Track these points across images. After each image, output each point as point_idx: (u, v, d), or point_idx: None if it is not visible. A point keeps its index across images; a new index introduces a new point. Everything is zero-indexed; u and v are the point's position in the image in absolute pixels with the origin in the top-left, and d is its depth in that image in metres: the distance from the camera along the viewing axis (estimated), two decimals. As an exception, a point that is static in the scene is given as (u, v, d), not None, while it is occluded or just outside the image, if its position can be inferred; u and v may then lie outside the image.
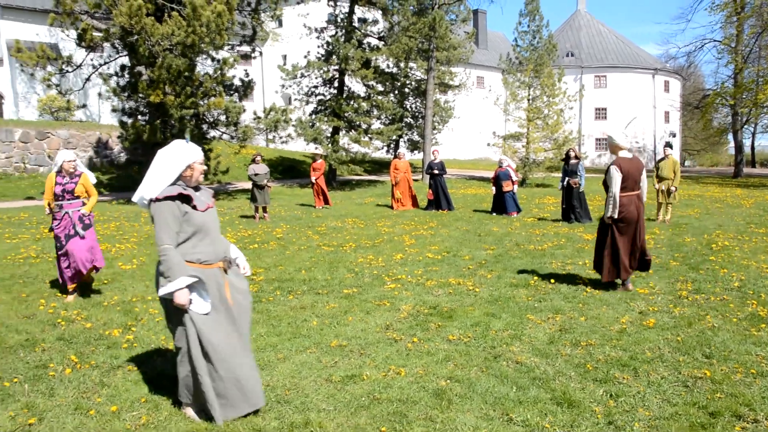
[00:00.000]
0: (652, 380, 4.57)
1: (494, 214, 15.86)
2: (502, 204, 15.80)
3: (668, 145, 14.16)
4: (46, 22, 20.35)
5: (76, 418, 4.08)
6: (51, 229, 7.40)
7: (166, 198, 3.86)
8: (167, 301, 3.88)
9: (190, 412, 4.08)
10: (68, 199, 7.29)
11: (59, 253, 7.26)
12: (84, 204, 7.40)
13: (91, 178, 7.52)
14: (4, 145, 23.66)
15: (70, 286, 7.26)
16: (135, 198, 4.02)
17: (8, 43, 29.80)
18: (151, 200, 3.89)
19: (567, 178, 14.25)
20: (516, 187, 15.95)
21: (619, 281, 7.46)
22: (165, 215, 3.84)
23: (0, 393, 4.51)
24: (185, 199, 3.93)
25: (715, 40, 37.52)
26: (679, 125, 59.18)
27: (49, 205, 7.38)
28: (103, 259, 7.60)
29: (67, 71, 20.60)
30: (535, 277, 8.08)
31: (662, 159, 13.97)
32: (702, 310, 6.46)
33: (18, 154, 23.92)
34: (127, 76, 20.70)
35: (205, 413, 3.99)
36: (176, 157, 3.98)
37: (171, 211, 3.85)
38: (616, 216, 7.22)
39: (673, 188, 13.54)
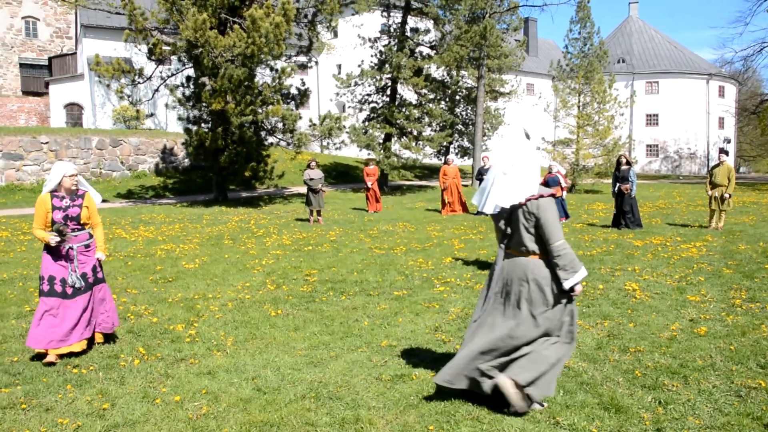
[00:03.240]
0: (702, 389, 4.42)
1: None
2: (551, 209, 15.56)
3: (723, 151, 13.64)
4: (121, 39, 21.26)
5: (143, 406, 4.27)
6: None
7: (551, 195, 4.07)
8: (561, 293, 4.03)
9: (526, 401, 4.01)
10: (73, 230, 5.23)
11: (48, 310, 5.11)
12: (90, 236, 5.42)
13: (96, 198, 5.49)
14: (83, 152, 24.87)
15: (57, 350, 5.09)
16: (490, 208, 4.04)
17: (89, 58, 31.21)
18: (532, 198, 3.99)
19: (618, 184, 13.92)
20: (565, 193, 15.69)
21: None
22: (556, 212, 4.05)
23: (78, 379, 4.78)
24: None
25: (775, 43, 35.84)
26: (734, 131, 56.99)
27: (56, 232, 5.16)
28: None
29: (139, 83, 21.41)
30: (584, 283, 7.91)
31: (717, 165, 13.44)
32: (757, 319, 6.18)
33: (94, 160, 25.09)
34: (191, 86, 21.37)
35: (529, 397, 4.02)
36: (537, 159, 4.17)
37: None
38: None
39: (726, 195, 13.01)
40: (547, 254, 4.03)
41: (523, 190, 3.97)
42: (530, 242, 4.03)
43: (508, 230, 4.09)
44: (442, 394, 4.38)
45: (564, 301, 4.07)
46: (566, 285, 3.96)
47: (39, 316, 5.08)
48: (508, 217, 4.06)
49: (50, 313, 5.08)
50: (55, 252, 5.18)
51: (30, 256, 10.55)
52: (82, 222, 5.26)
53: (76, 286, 5.18)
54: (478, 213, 16.90)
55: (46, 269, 5.17)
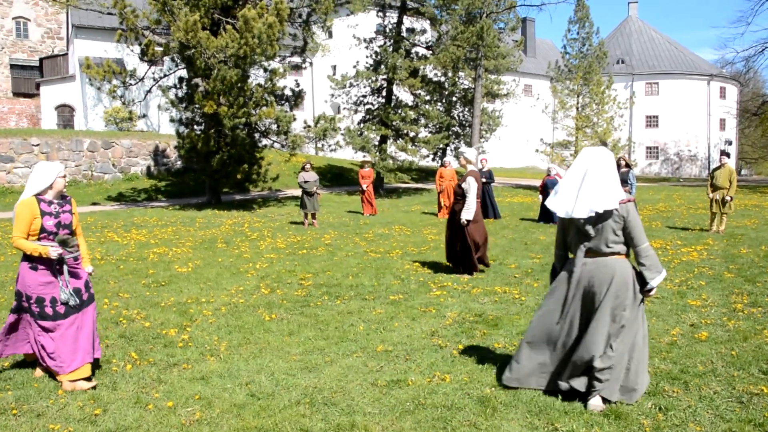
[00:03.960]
0: (704, 395, 4.43)
1: (541, 222, 15.67)
2: (549, 213, 15.59)
3: (725, 153, 13.67)
4: (113, 39, 21.24)
5: (136, 411, 4.28)
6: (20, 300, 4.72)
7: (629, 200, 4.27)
8: (639, 293, 4.31)
9: (599, 401, 4.25)
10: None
11: (42, 331, 4.68)
12: (78, 247, 4.88)
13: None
14: (74, 154, 24.88)
15: (71, 375, 4.67)
16: (583, 212, 4.20)
17: (80, 59, 31.24)
18: (623, 202, 4.21)
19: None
20: (564, 195, 15.70)
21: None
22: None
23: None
24: None
25: (778, 43, 35.80)
26: (735, 133, 57.18)
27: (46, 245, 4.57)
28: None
29: (131, 84, 21.42)
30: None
31: (718, 167, 13.46)
32: (759, 324, 6.18)
33: (86, 163, 25.10)
34: (184, 87, 21.37)
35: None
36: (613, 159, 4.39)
37: None
38: (471, 218, 8.71)
39: (728, 198, 13.03)
40: (627, 255, 4.33)
41: (616, 194, 4.18)
42: (616, 244, 4.23)
43: (592, 233, 4.24)
44: (437, 400, 4.39)
45: (641, 300, 4.36)
46: (652, 284, 4.27)
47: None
48: (596, 220, 4.22)
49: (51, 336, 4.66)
50: (40, 266, 4.60)
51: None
52: (72, 229, 4.75)
53: (70, 303, 4.64)
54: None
55: (31, 288, 4.60)
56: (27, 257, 4.62)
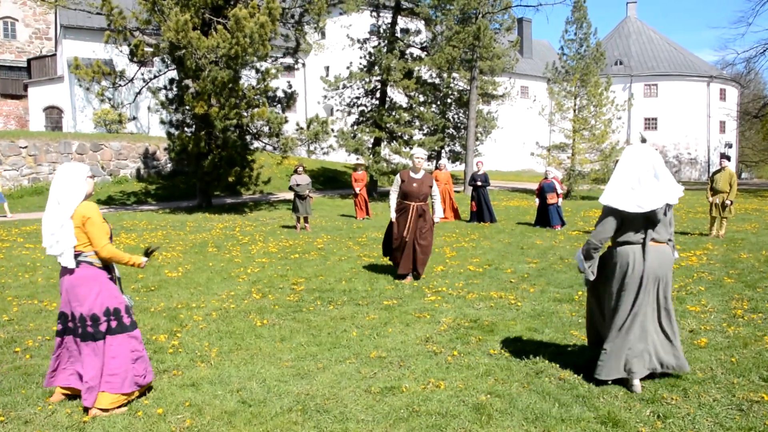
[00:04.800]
0: (703, 402, 4.44)
1: (538, 226, 15.73)
2: (545, 217, 15.66)
3: (725, 156, 13.73)
4: (102, 40, 21.24)
5: (125, 419, 4.28)
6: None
7: None
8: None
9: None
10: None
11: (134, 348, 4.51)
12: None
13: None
14: (62, 157, 24.89)
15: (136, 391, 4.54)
16: (658, 204, 4.62)
17: (68, 60, 31.22)
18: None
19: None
20: (561, 199, 15.79)
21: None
22: None
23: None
24: None
25: (779, 44, 35.76)
26: (735, 135, 57.44)
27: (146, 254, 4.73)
28: None
29: (120, 85, 21.41)
30: (580, 292, 7.98)
31: (718, 171, 13.55)
32: (759, 330, 6.20)
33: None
34: (174, 89, 21.37)
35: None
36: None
37: None
38: (393, 217, 9.06)
39: (728, 202, 13.09)
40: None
41: (678, 187, 4.70)
42: (667, 232, 4.77)
43: (662, 221, 4.72)
44: (432, 407, 4.40)
45: None
46: (676, 257, 4.92)
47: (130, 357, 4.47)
48: (665, 210, 4.72)
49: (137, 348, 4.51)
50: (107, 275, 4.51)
51: (8, 264, 10.50)
52: None
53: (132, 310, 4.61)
54: (470, 220, 16.95)
55: (118, 299, 4.48)
56: (106, 267, 4.46)
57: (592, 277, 4.86)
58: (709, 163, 53.90)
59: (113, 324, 4.39)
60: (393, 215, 9.12)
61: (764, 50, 36.24)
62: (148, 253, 4.74)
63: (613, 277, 4.78)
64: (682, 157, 54.43)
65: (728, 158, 13.80)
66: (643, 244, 4.69)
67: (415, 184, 9.02)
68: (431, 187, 9.19)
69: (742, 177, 64.62)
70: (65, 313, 4.41)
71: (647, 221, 4.67)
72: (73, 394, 4.53)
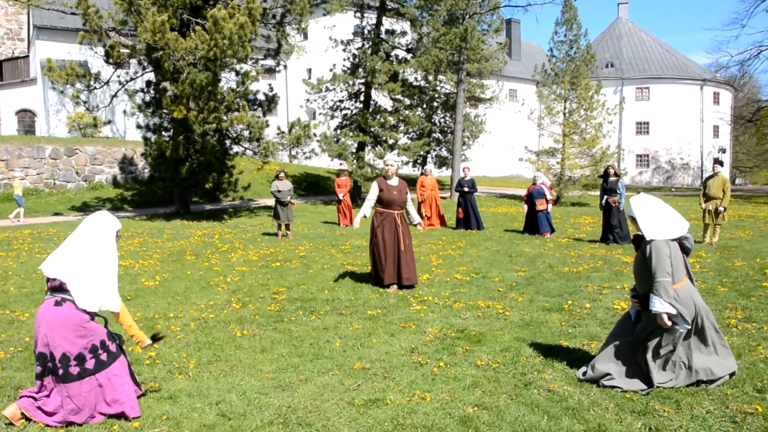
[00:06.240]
0: (696, 414, 4.48)
1: (526, 234, 15.81)
2: (534, 223, 15.75)
3: (718, 161, 13.84)
4: (76, 41, 21.14)
5: (99, 434, 4.25)
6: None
7: None
8: None
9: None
10: None
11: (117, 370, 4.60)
12: None
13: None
14: (35, 162, 24.73)
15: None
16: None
17: (41, 62, 31.04)
18: None
19: (606, 197, 14.11)
20: (550, 206, 15.89)
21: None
22: None
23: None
24: None
25: (773, 47, 36.04)
26: (729, 140, 58.05)
27: None
28: None
29: (95, 88, 21.32)
30: (570, 301, 8.06)
31: (711, 176, 13.62)
32: (753, 340, 6.24)
33: (48, 171, 24.92)
34: (152, 91, 21.32)
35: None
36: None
37: None
38: (356, 224, 9.23)
39: (721, 208, 13.16)
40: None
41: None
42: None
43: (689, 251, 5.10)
44: (417, 420, 4.43)
45: None
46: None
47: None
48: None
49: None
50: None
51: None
52: None
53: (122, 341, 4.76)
54: (456, 227, 17.00)
55: (100, 335, 4.59)
56: (87, 312, 4.49)
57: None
58: (702, 168, 54.40)
59: (103, 357, 4.49)
60: (356, 223, 9.27)
61: (758, 53, 36.58)
62: (155, 339, 4.94)
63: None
64: (674, 162, 54.90)
65: (721, 163, 13.92)
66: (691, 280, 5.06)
67: (394, 192, 9.11)
68: (407, 193, 9.31)
69: (736, 183, 65.33)
70: (43, 353, 4.40)
71: (684, 250, 5.04)
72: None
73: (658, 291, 4.74)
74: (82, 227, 4.58)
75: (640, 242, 5.06)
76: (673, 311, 4.77)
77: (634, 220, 5.09)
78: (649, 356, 4.93)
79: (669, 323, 4.79)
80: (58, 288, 4.42)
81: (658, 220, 4.97)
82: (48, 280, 4.47)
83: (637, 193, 5.70)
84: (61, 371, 4.34)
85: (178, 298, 8.57)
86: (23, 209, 20.35)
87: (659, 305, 4.75)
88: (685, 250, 5.02)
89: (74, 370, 4.36)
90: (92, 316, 4.51)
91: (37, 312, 4.48)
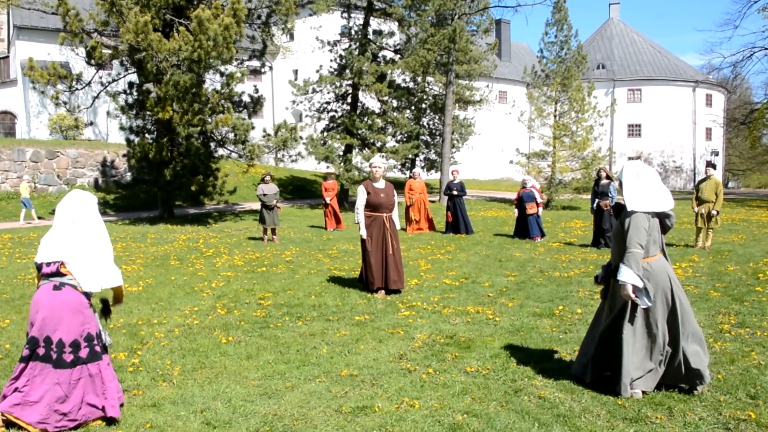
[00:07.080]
0: (688, 421, 4.49)
1: (516, 238, 15.89)
2: (525, 227, 15.83)
3: (711, 164, 13.93)
4: (57, 41, 21.05)
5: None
6: None
7: None
8: None
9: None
10: None
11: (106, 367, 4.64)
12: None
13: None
14: (16, 165, 24.61)
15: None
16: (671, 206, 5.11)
17: (22, 62, 30.85)
18: None
19: (597, 200, 14.13)
20: (541, 209, 15.97)
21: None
22: None
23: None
24: None
25: (766, 48, 36.27)
26: (722, 143, 58.48)
27: None
28: None
29: (77, 89, 21.23)
30: (561, 307, 8.10)
31: (703, 180, 13.74)
32: (746, 345, 6.27)
33: (29, 174, 24.78)
34: (135, 93, 21.25)
35: None
36: None
37: None
38: (363, 234, 9.04)
39: (714, 212, 13.24)
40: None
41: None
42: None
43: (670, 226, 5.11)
44: (406, 427, 4.45)
45: None
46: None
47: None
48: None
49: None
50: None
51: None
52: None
53: (108, 342, 4.75)
54: (445, 231, 17.06)
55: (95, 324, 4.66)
56: (86, 294, 4.58)
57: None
58: (695, 171, 54.79)
59: (97, 349, 4.53)
60: (363, 232, 9.08)
61: (751, 54, 36.80)
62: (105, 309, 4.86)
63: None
64: (667, 165, 55.20)
65: (714, 166, 14.03)
66: (664, 254, 5.08)
67: (382, 195, 9.16)
68: (395, 196, 9.38)
69: (729, 186, 65.68)
70: (36, 337, 4.41)
71: (663, 226, 5.06)
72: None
73: (629, 261, 4.81)
74: (64, 209, 4.56)
75: (620, 211, 5.13)
76: (640, 284, 4.80)
77: (621, 185, 5.15)
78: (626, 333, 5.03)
79: (633, 296, 4.82)
80: (55, 273, 4.43)
81: (644, 192, 5.00)
82: (40, 268, 4.47)
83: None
84: (54, 356, 4.35)
85: (162, 303, 8.55)
86: (33, 210, 20.84)
87: (626, 275, 4.80)
88: (665, 228, 5.05)
89: (68, 357, 4.37)
90: (90, 302, 4.56)
91: (33, 297, 4.50)
